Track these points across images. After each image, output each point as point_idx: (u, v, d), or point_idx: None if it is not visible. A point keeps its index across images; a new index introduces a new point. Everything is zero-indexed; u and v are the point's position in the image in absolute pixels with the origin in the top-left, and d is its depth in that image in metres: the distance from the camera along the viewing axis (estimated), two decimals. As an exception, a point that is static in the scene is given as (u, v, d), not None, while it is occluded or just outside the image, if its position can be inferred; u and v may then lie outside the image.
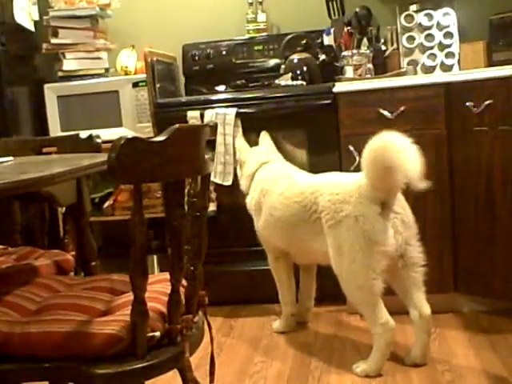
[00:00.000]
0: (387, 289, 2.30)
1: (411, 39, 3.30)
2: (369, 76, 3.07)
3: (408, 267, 2.32)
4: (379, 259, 2.24)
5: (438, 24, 3.29)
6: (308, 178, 2.58)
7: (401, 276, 2.34)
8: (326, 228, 2.35)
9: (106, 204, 3.36)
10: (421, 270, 2.34)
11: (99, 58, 3.42)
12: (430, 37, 3.29)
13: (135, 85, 3.27)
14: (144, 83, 3.21)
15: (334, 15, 3.39)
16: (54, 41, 3.34)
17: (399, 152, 2.13)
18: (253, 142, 2.96)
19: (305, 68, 3.23)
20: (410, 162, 2.12)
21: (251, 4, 3.59)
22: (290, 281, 2.75)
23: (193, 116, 2.98)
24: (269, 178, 2.68)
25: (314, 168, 2.78)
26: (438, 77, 2.85)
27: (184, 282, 1.51)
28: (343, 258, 2.30)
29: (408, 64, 3.28)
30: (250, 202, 2.75)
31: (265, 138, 2.90)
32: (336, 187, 2.36)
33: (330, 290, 2.81)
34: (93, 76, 3.38)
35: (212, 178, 2.87)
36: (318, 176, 2.54)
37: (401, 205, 2.32)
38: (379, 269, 2.25)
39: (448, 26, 3.29)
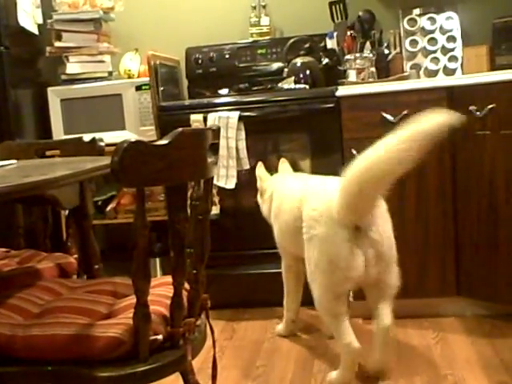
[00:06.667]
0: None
1: (414, 43, 3.31)
2: (372, 80, 3.08)
3: (380, 288, 2.24)
4: (340, 284, 2.18)
5: (441, 28, 3.30)
6: (298, 185, 2.52)
7: (371, 290, 2.27)
8: (304, 238, 2.31)
9: (109, 207, 3.37)
10: (394, 290, 2.25)
11: (102, 62, 3.43)
12: (432, 41, 3.29)
13: (138, 88, 3.27)
14: (147, 86, 3.21)
15: (337, 19, 3.40)
16: (57, 44, 3.35)
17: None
18: (257, 147, 2.98)
19: (308, 71, 3.24)
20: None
21: (254, 8, 3.60)
22: (297, 293, 2.72)
23: (196, 119, 2.99)
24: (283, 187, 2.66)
25: (317, 172, 2.78)
26: (441, 81, 2.85)
27: (186, 286, 1.51)
28: (310, 271, 2.27)
29: (411, 68, 3.28)
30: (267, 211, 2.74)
31: (284, 166, 2.83)
32: (316, 201, 2.28)
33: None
34: (96, 79, 3.39)
35: (215, 182, 2.87)
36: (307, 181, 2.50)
37: (379, 231, 2.16)
38: (339, 293, 2.19)
39: (451, 30, 3.29)
